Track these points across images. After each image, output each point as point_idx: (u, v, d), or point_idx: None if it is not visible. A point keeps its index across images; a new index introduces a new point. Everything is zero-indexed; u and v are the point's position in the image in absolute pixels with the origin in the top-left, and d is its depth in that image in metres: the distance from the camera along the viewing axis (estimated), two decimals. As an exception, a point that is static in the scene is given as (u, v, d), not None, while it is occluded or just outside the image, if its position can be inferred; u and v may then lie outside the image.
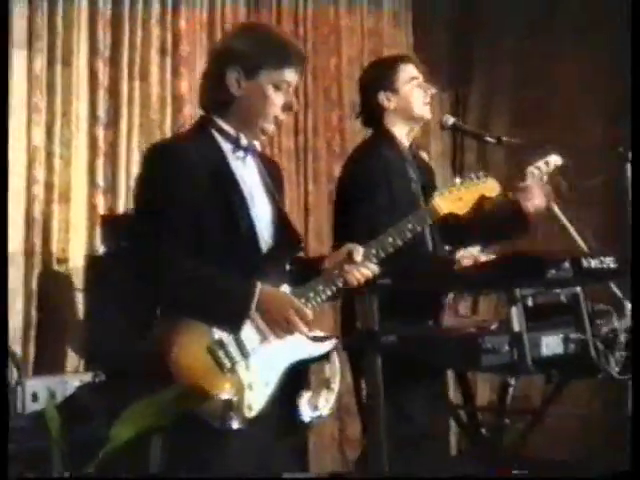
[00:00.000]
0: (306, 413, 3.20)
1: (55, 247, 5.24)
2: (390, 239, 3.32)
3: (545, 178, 4.41)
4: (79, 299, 5.20)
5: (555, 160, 4.47)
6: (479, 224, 4.22)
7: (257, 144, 3.27)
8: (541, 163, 4.41)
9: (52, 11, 5.23)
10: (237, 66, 3.15)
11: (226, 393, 2.96)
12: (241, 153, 3.22)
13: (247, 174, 3.23)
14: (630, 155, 4.18)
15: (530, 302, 3.74)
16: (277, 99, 3.18)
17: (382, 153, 4.19)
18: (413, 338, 3.76)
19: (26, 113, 5.14)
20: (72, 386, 4.30)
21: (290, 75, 3.19)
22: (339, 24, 6.84)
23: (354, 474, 3.60)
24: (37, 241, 5.15)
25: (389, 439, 3.56)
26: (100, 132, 5.45)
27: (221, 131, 3.20)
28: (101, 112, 5.47)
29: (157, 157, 3.17)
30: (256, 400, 3.02)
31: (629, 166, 4.20)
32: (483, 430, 4.19)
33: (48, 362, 5.09)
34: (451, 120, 4.51)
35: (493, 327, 3.74)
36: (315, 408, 3.18)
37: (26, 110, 5.14)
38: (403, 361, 3.63)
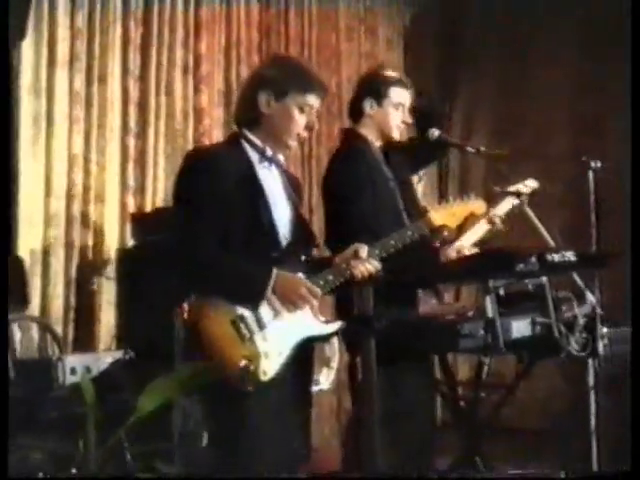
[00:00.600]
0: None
1: (91, 241, 5.26)
2: (392, 242, 3.43)
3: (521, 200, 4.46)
4: (112, 286, 5.23)
5: (532, 184, 4.54)
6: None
7: (281, 158, 3.36)
8: (519, 185, 4.46)
9: (90, 37, 5.25)
10: (268, 89, 3.25)
11: (245, 359, 3.02)
12: (266, 163, 3.29)
13: (271, 181, 3.30)
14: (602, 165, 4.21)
15: (502, 291, 3.77)
16: (300, 119, 3.27)
17: (360, 157, 4.18)
18: (401, 323, 3.78)
19: (67, 124, 5.16)
20: (105, 362, 4.32)
21: (312, 100, 3.28)
22: (339, 48, 6.86)
23: (354, 473, 3.60)
24: (76, 235, 5.17)
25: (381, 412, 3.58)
26: (131, 141, 5.48)
27: (250, 142, 3.28)
28: (132, 123, 5.49)
29: (194, 160, 3.27)
30: (270, 367, 3.08)
31: (591, 173, 4.23)
32: (462, 403, 4.23)
33: (85, 341, 5.12)
34: (436, 133, 4.49)
35: (470, 314, 3.78)
36: (317, 383, 3.22)
37: (67, 122, 5.16)
38: (393, 343, 3.65)
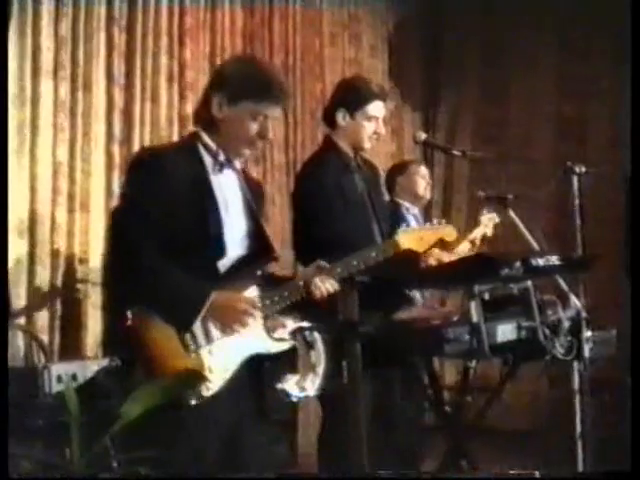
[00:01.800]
0: (295, 394, 3.21)
1: (77, 249, 5.23)
2: (355, 262, 3.34)
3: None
4: (98, 294, 5.20)
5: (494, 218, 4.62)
6: None
7: (237, 163, 3.24)
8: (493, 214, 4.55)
9: (74, 45, 5.22)
10: (222, 92, 3.13)
11: (189, 370, 2.95)
12: (220, 167, 3.17)
13: (225, 187, 3.18)
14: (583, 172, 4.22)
15: (487, 296, 3.77)
16: (252, 128, 3.13)
17: (331, 167, 4.18)
18: (387, 328, 3.78)
19: (52, 133, 5.13)
20: (92, 370, 4.28)
21: (268, 109, 3.13)
22: (323, 54, 6.87)
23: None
24: (62, 243, 5.14)
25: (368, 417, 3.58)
26: (116, 148, 5.44)
27: (205, 145, 3.17)
28: (117, 131, 5.45)
29: (142, 159, 3.18)
30: (214, 382, 3.00)
31: (575, 178, 4.23)
32: (447, 407, 4.22)
33: (71, 349, 5.09)
34: (423, 136, 4.52)
35: (455, 318, 3.77)
36: (302, 389, 3.19)
37: (52, 130, 5.13)
38: (379, 348, 3.65)
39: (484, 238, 4.71)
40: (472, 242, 4.69)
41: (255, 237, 3.21)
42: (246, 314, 3.05)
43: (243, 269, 3.14)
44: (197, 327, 3.00)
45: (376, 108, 4.23)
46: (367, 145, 4.25)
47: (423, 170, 5.52)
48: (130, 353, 3.00)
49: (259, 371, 3.16)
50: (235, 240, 3.14)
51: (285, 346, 3.18)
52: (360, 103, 4.22)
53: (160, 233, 2.99)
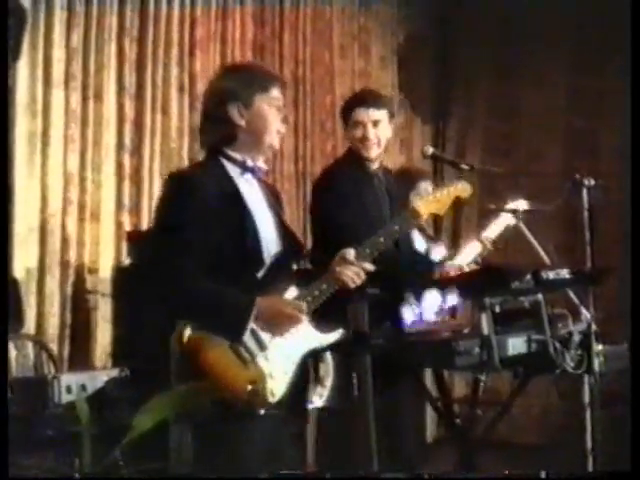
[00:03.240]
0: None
1: (87, 259, 5.24)
2: (381, 239, 3.33)
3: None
4: (107, 304, 5.21)
5: (523, 205, 4.58)
6: None
7: (263, 165, 3.30)
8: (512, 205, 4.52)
9: (85, 56, 5.24)
10: (235, 100, 3.19)
11: (250, 383, 2.97)
12: (247, 175, 3.23)
13: (253, 194, 3.23)
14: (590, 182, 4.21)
15: (498, 308, 3.76)
16: (274, 115, 3.23)
17: (349, 174, 4.23)
18: (397, 341, 3.77)
19: (63, 143, 5.14)
20: (101, 380, 4.28)
21: (277, 92, 3.25)
22: (333, 66, 6.87)
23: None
24: (72, 254, 5.15)
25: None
26: (126, 159, 5.46)
27: (229, 158, 3.22)
28: (127, 141, 5.47)
29: (174, 184, 3.19)
30: (277, 387, 3.02)
31: (585, 191, 4.22)
32: (457, 420, 4.21)
33: (81, 359, 5.09)
34: (430, 150, 4.52)
35: (466, 331, 3.76)
36: (311, 402, 3.19)
37: (63, 140, 5.14)
38: (389, 361, 3.64)
39: (495, 241, 4.67)
40: (483, 242, 4.64)
41: (284, 237, 3.25)
42: (293, 317, 3.08)
43: (279, 271, 3.18)
44: (247, 337, 3.03)
45: (358, 114, 4.26)
46: (364, 152, 4.27)
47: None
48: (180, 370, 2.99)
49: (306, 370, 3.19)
50: (269, 245, 3.18)
51: (336, 336, 3.21)
52: (347, 112, 4.33)
53: (200, 252, 3.03)
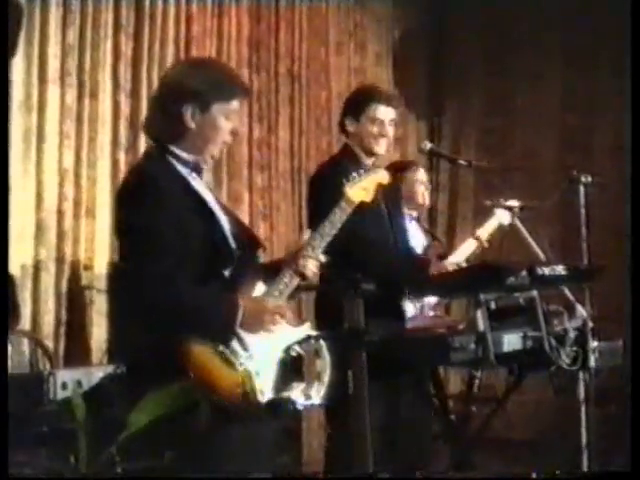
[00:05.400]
0: (300, 402, 3.19)
1: (82, 255, 5.22)
2: (327, 229, 3.27)
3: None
4: (103, 300, 5.19)
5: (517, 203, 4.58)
6: None
7: (204, 167, 3.22)
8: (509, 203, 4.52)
9: (81, 52, 5.22)
10: (192, 103, 3.08)
11: (240, 385, 2.94)
12: (194, 174, 3.14)
13: (204, 193, 3.16)
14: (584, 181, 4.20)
15: (493, 305, 3.76)
16: (226, 127, 3.14)
17: (343, 171, 4.20)
18: (392, 337, 3.76)
19: (58, 139, 5.12)
20: (97, 377, 4.25)
21: (236, 104, 3.16)
22: (329, 63, 6.85)
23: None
24: (67, 250, 5.12)
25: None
26: (121, 156, 5.43)
27: (176, 157, 3.12)
28: (122, 138, 5.44)
29: (134, 187, 3.10)
30: (265, 384, 2.99)
31: (582, 188, 4.22)
32: (452, 416, 4.20)
33: (76, 355, 5.08)
34: (429, 145, 4.54)
35: (461, 327, 3.76)
36: (308, 398, 3.17)
37: (58, 137, 5.11)
38: (384, 357, 3.63)
39: (490, 239, 4.66)
40: (478, 239, 4.63)
41: (240, 232, 3.18)
42: (275, 319, 3.05)
43: (244, 267, 3.12)
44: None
45: (378, 111, 4.24)
46: (377, 148, 4.26)
47: (422, 174, 5.39)
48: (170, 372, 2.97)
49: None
50: (231, 240, 3.12)
51: (307, 328, 3.17)
52: (362, 107, 4.27)
53: (176, 253, 2.96)
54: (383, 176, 3.59)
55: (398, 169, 5.18)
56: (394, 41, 7.52)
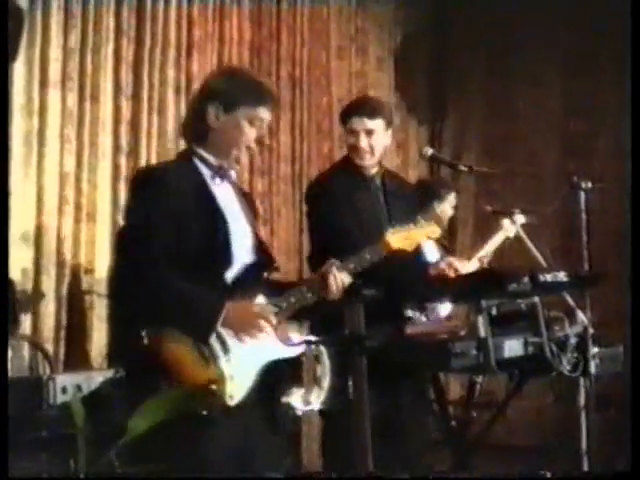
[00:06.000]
0: (299, 407, 3.20)
1: (83, 259, 5.21)
2: (351, 265, 3.35)
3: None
4: (103, 305, 5.18)
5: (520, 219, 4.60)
6: None
7: (233, 173, 3.25)
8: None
9: (82, 56, 5.21)
10: (217, 102, 3.14)
11: (210, 383, 2.93)
12: (218, 179, 3.19)
13: (226, 199, 3.20)
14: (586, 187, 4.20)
15: (494, 311, 3.76)
16: (250, 133, 3.16)
17: (342, 177, 4.22)
18: (393, 342, 3.75)
19: (59, 143, 5.11)
20: (97, 381, 4.25)
21: (264, 113, 3.17)
22: (330, 67, 6.85)
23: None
24: (67, 254, 5.12)
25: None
26: (122, 160, 5.42)
27: (201, 159, 3.18)
28: (123, 142, 5.43)
29: (143, 179, 3.19)
30: (237, 390, 3.00)
31: (582, 194, 4.22)
32: (453, 422, 4.20)
33: (76, 360, 5.07)
34: (430, 151, 4.52)
35: (462, 333, 3.75)
36: (307, 403, 3.17)
37: (59, 140, 5.11)
38: (385, 362, 3.63)
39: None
40: (480, 261, 4.67)
41: (257, 247, 3.22)
42: (261, 321, 3.06)
43: (248, 279, 3.14)
44: (213, 338, 3.01)
45: (352, 122, 4.23)
46: (357, 160, 4.24)
47: (453, 199, 5.53)
48: (146, 370, 2.97)
49: (270, 383, 3.15)
50: (240, 250, 3.15)
51: (298, 350, 3.19)
52: (344, 120, 4.30)
53: (169, 249, 3.00)
54: (433, 231, 3.65)
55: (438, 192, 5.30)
56: (396, 46, 7.52)
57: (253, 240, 3.22)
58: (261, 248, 3.25)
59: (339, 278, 3.23)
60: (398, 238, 3.53)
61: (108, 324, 5.10)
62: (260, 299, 3.15)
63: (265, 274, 3.24)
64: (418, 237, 3.61)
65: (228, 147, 3.16)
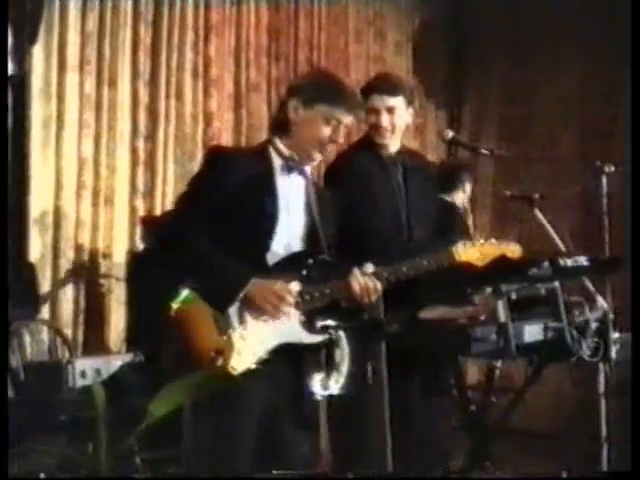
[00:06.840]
0: (319, 392, 3.19)
1: (101, 243, 5.22)
2: (404, 269, 3.31)
3: None
4: (122, 289, 5.19)
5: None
6: None
7: (308, 169, 3.33)
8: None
9: (100, 40, 5.22)
10: (298, 96, 3.25)
11: (216, 350, 3.00)
12: (288, 171, 3.28)
13: (290, 189, 3.27)
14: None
15: (514, 296, 3.73)
16: (325, 131, 3.23)
17: (360, 157, 4.14)
18: (413, 328, 3.74)
19: (77, 128, 5.12)
20: (115, 365, 4.27)
21: (341, 114, 3.22)
22: (348, 51, 6.83)
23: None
24: (86, 238, 5.14)
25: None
26: (140, 144, 5.44)
27: (277, 149, 3.28)
28: (141, 127, 5.45)
29: (211, 155, 3.38)
30: (240, 364, 3.03)
31: (604, 178, 4.19)
32: (472, 407, 4.18)
33: (95, 344, 5.09)
34: (450, 134, 4.45)
35: (482, 318, 3.74)
36: (326, 388, 3.17)
37: (77, 125, 5.12)
38: (404, 348, 3.61)
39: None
40: None
41: (309, 239, 3.28)
42: (282, 301, 3.10)
43: (290, 266, 3.19)
44: (233, 310, 3.08)
45: (373, 100, 4.14)
46: (378, 139, 4.14)
47: (469, 188, 5.56)
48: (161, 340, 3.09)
49: (296, 365, 3.19)
50: (290, 238, 3.23)
51: (318, 339, 3.18)
52: (365, 97, 4.19)
53: (216, 222, 3.13)
54: (514, 249, 3.52)
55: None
56: (414, 30, 7.49)
57: (307, 233, 3.28)
58: (314, 241, 3.27)
59: (369, 284, 3.21)
60: (469, 252, 3.42)
61: (127, 309, 5.11)
62: (295, 286, 3.16)
63: (309, 265, 3.24)
64: (493, 254, 3.47)
65: (303, 142, 3.25)
